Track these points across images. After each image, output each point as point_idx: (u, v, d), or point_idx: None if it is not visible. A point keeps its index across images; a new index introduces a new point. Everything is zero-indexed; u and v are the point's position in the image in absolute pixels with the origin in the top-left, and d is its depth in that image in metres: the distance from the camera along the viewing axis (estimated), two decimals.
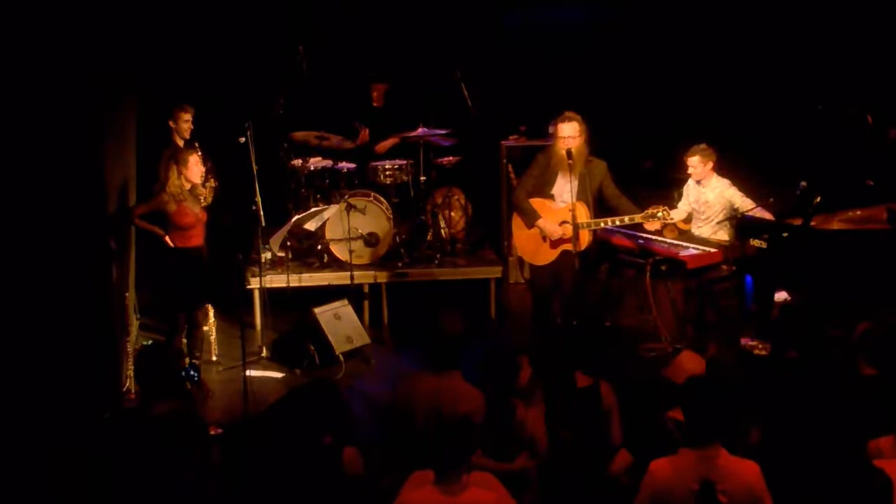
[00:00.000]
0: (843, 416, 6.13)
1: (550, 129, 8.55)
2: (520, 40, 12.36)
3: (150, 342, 8.79)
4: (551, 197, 8.48)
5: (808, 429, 6.21)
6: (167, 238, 8.41)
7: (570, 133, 8.28)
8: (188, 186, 8.39)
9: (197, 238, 8.53)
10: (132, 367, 8.06)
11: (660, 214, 8.28)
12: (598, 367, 6.67)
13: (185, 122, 9.39)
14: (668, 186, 10.22)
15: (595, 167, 8.41)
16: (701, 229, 9.34)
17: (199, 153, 8.70)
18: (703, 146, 9.22)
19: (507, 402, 6.44)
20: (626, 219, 8.35)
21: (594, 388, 6.47)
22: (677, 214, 9.50)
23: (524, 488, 5.99)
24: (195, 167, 8.38)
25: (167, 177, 8.32)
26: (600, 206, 8.40)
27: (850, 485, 4.81)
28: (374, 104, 11.39)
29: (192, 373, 8.49)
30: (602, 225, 8.34)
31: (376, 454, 6.16)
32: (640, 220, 8.38)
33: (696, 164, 9.18)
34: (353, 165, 10.88)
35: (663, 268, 8.95)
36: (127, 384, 8.12)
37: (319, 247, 10.47)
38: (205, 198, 8.72)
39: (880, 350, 6.69)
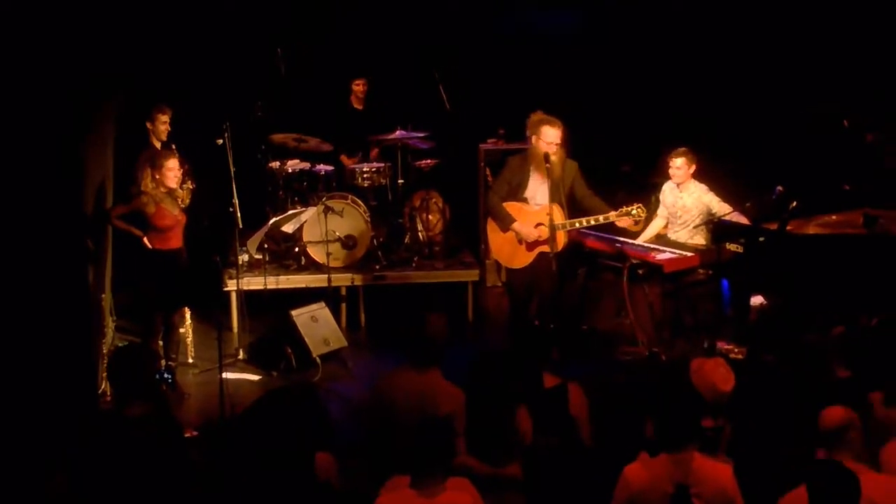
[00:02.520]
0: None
1: (528, 132, 8.50)
2: (499, 43, 12.36)
3: (124, 344, 8.75)
4: (524, 200, 8.48)
5: (783, 431, 6.24)
6: (145, 239, 8.39)
7: (555, 139, 8.28)
8: (165, 190, 8.37)
9: (175, 240, 8.51)
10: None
11: (634, 212, 8.28)
12: (573, 370, 6.68)
13: (163, 124, 9.36)
14: (646, 190, 10.26)
15: (567, 168, 8.41)
16: (678, 233, 9.36)
17: (177, 156, 8.66)
18: (683, 149, 9.25)
19: (508, 406, 6.41)
20: (601, 217, 8.34)
21: (562, 390, 6.45)
22: (657, 223, 9.53)
23: (509, 493, 5.98)
24: (170, 172, 8.33)
25: (142, 179, 8.31)
26: (572, 207, 8.40)
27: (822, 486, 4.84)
28: (356, 106, 11.40)
29: (166, 375, 8.47)
30: (577, 225, 8.34)
31: (353, 458, 6.15)
32: (615, 219, 8.37)
33: (682, 165, 9.20)
34: (330, 168, 10.89)
35: (640, 272, 8.99)
36: (103, 386, 8.09)
37: (297, 249, 10.46)
38: (182, 200, 8.70)
39: (855, 354, 6.74)
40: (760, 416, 6.35)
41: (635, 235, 9.29)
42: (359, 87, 11.36)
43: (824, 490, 4.81)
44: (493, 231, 8.63)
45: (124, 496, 5.51)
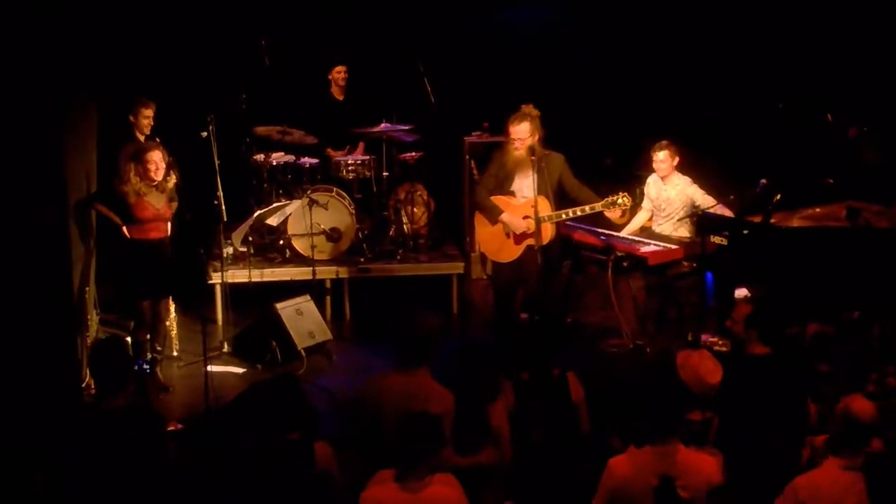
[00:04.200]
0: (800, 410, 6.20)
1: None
2: (483, 35, 12.36)
3: (106, 336, 8.73)
4: (511, 193, 8.49)
5: (767, 423, 6.26)
6: (124, 228, 8.36)
7: (520, 135, 8.28)
8: (153, 183, 8.34)
9: (156, 232, 8.48)
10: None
11: (619, 201, 8.26)
12: (560, 362, 6.69)
13: (146, 118, 9.29)
14: (629, 183, 10.27)
15: (552, 160, 8.40)
16: (662, 226, 9.39)
17: (160, 148, 8.61)
18: (665, 142, 9.28)
19: (482, 399, 6.43)
20: (587, 208, 8.33)
21: (562, 380, 6.48)
22: (642, 216, 9.56)
23: (488, 485, 5.99)
24: (152, 165, 8.30)
25: (126, 174, 8.27)
26: (561, 199, 8.41)
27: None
28: (336, 96, 11.37)
29: (144, 366, 8.46)
30: (563, 216, 8.34)
31: (338, 450, 6.14)
32: (601, 209, 8.35)
33: (665, 158, 9.23)
34: (315, 160, 10.86)
35: (625, 264, 9.00)
36: (87, 379, 8.07)
37: (281, 242, 10.44)
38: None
39: (836, 348, 6.76)
40: (747, 408, 6.37)
41: (620, 228, 9.31)
42: (340, 74, 11.30)
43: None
44: (480, 225, 8.63)
45: (106, 489, 5.51)
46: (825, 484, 5.12)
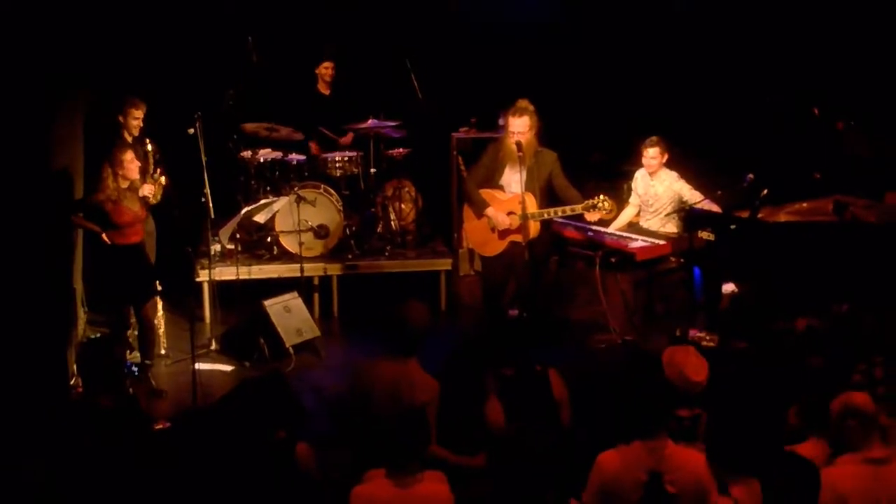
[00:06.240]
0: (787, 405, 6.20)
1: (501, 122, 8.54)
2: (470, 30, 12.35)
3: (95, 335, 8.70)
4: (500, 187, 8.49)
5: (754, 419, 6.27)
6: (104, 235, 8.32)
7: (520, 129, 8.26)
8: (126, 185, 8.30)
9: (135, 235, 8.43)
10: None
11: (599, 205, 8.25)
12: (547, 358, 6.70)
13: (135, 120, 9.15)
14: (616, 178, 10.28)
15: (544, 157, 8.40)
16: (649, 221, 9.41)
17: (131, 148, 8.54)
18: (656, 139, 9.29)
19: (480, 394, 6.45)
20: (568, 209, 8.33)
21: (543, 377, 6.48)
22: (629, 211, 9.57)
23: (476, 482, 6.01)
24: (130, 165, 8.26)
25: (103, 179, 8.21)
26: (550, 197, 8.40)
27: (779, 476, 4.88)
28: (322, 91, 11.36)
29: (132, 368, 8.43)
30: (545, 215, 8.34)
31: (326, 448, 6.15)
32: (581, 211, 8.32)
33: (656, 155, 9.27)
34: (303, 157, 10.86)
35: (613, 260, 9.00)
36: (75, 378, 8.05)
37: (269, 239, 10.43)
38: (153, 195, 8.64)
39: (826, 341, 6.77)
40: (734, 404, 6.38)
41: (607, 223, 9.32)
42: (328, 70, 11.30)
43: (784, 482, 4.85)
44: (468, 218, 8.64)
45: (94, 487, 5.51)
46: (851, 481, 5.15)
